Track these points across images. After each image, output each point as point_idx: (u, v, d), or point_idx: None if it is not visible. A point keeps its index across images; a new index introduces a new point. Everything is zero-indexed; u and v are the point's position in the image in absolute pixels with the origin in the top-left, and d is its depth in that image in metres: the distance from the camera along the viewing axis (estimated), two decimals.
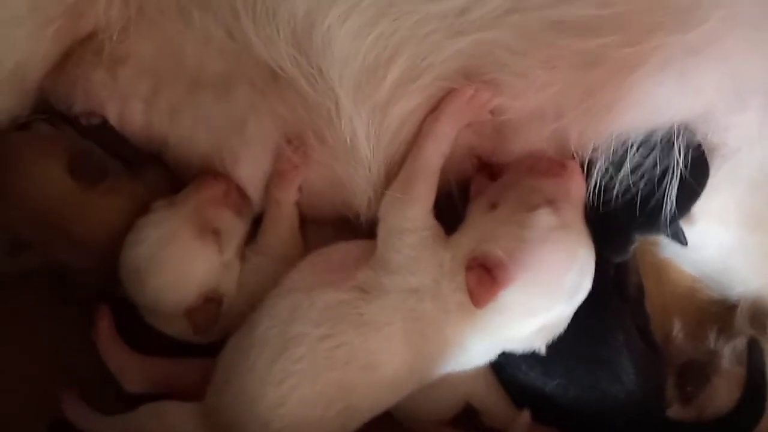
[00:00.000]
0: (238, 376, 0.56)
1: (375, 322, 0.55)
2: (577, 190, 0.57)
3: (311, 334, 0.54)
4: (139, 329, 0.63)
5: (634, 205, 0.57)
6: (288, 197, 0.63)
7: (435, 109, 0.57)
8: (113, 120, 0.63)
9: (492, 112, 0.57)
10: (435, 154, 0.57)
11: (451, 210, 0.60)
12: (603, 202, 0.57)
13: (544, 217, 0.54)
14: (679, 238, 0.61)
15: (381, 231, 0.58)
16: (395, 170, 0.60)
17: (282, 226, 0.63)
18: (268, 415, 0.54)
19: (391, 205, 0.58)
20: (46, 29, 0.57)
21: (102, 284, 0.63)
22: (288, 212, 0.63)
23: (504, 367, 0.62)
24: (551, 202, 0.55)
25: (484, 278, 0.53)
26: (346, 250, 0.61)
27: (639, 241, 0.61)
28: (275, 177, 0.62)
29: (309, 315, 0.55)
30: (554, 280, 0.54)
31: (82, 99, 0.62)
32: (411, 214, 0.57)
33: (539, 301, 0.55)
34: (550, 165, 0.57)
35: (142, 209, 0.61)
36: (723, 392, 0.60)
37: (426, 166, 0.57)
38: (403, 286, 0.55)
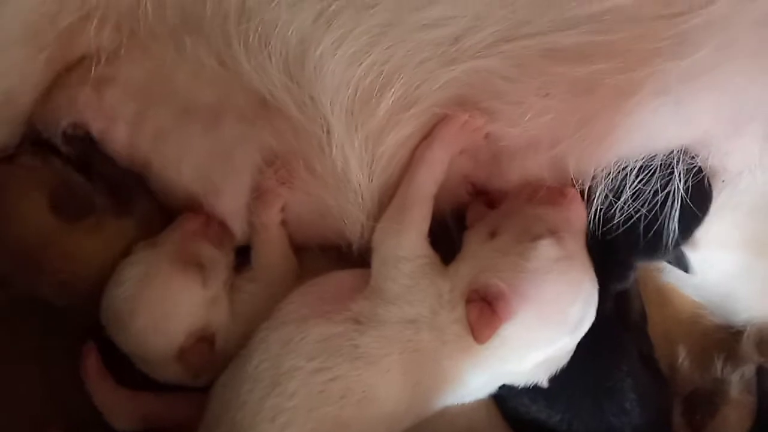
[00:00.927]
0: (229, 413, 0.54)
1: (370, 355, 0.53)
2: (578, 218, 0.56)
3: (304, 368, 0.53)
4: (128, 363, 0.61)
5: (636, 231, 0.56)
6: (271, 218, 0.61)
7: (429, 135, 0.57)
8: (97, 134, 0.61)
9: (486, 137, 0.57)
10: (428, 180, 0.56)
11: (445, 239, 0.59)
12: (604, 229, 0.56)
13: (546, 248, 0.52)
14: (683, 264, 0.60)
15: (375, 260, 0.57)
16: (388, 198, 0.59)
17: (272, 249, 0.62)
18: None
19: (385, 234, 0.57)
20: (38, 55, 0.56)
21: (89, 319, 0.61)
22: (275, 234, 0.62)
23: (506, 399, 0.61)
24: (553, 232, 0.53)
25: (485, 311, 0.51)
26: (338, 279, 0.60)
27: (640, 267, 0.60)
28: (257, 199, 0.61)
29: (302, 348, 0.54)
30: (558, 313, 0.53)
31: (66, 117, 0.60)
32: (406, 242, 0.56)
33: (542, 335, 0.53)
34: (549, 193, 0.56)
35: (130, 247, 0.60)
36: (733, 421, 0.59)
37: (420, 193, 0.56)
38: (399, 316, 0.54)
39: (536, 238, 0.53)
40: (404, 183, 0.57)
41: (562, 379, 0.55)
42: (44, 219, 0.57)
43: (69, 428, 0.60)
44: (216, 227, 0.61)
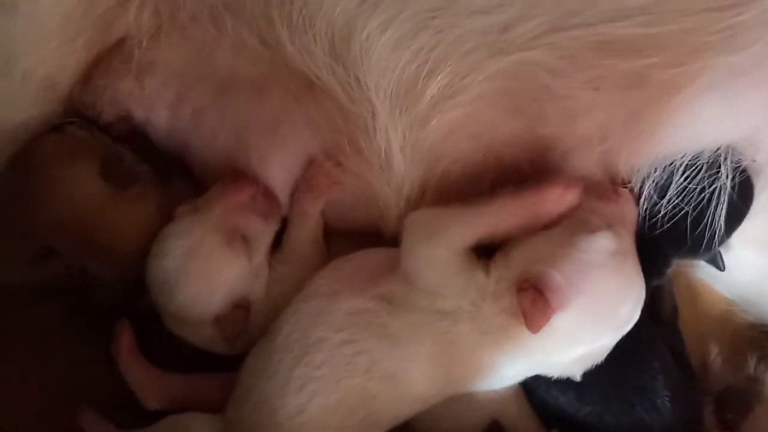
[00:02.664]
0: (259, 384, 0.54)
1: (399, 338, 0.53)
2: (630, 215, 0.55)
3: (331, 339, 0.53)
4: (157, 344, 0.61)
5: (682, 228, 0.55)
6: (315, 208, 0.61)
7: (475, 124, 0.55)
8: (140, 124, 0.62)
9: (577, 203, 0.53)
10: (501, 214, 0.53)
11: None
12: (649, 226, 0.56)
13: (604, 241, 0.52)
14: (717, 262, 0.59)
15: (405, 243, 0.55)
16: (428, 186, 0.59)
17: (307, 236, 0.62)
18: (288, 423, 0.52)
19: (420, 223, 0.55)
20: (75, 40, 0.57)
21: (122, 296, 0.61)
22: (313, 223, 0.62)
23: (534, 388, 0.60)
24: (610, 226, 0.53)
25: (538, 300, 0.50)
26: (371, 257, 0.59)
27: (675, 264, 0.60)
28: (305, 187, 0.60)
29: (330, 320, 0.54)
30: (609, 309, 0.52)
31: (108, 107, 0.61)
32: (439, 253, 0.53)
33: (589, 329, 0.53)
34: (603, 189, 0.55)
35: (167, 218, 0.59)
36: (767, 421, 0.58)
37: (493, 218, 0.53)
38: (432, 307, 0.53)
39: (594, 230, 0.52)
40: (483, 204, 0.54)
41: (593, 372, 0.55)
42: (95, 185, 0.57)
43: (98, 410, 0.60)
44: (262, 199, 0.60)
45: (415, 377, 0.53)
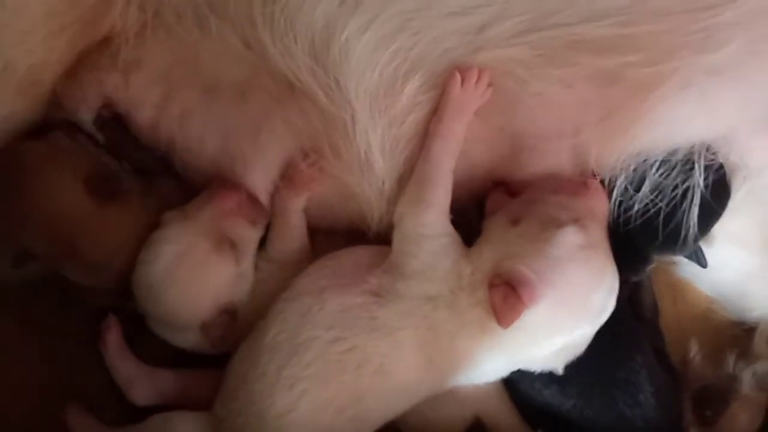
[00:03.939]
0: (247, 383, 0.55)
1: (387, 327, 0.54)
2: (600, 208, 0.56)
3: (322, 338, 0.53)
4: (145, 340, 0.62)
5: (655, 225, 0.56)
6: (296, 206, 0.62)
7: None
8: (124, 115, 0.62)
9: (490, 85, 0.55)
10: (444, 154, 0.55)
11: (464, 225, 0.59)
12: (623, 221, 0.56)
13: (572, 236, 0.52)
14: (699, 259, 0.60)
15: (396, 237, 0.57)
16: (404, 182, 0.58)
17: (290, 234, 0.63)
18: (278, 422, 0.53)
19: (405, 211, 0.56)
20: (60, 34, 0.56)
21: (106, 299, 0.62)
22: (296, 220, 0.63)
23: (516, 383, 0.61)
24: (577, 220, 0.53)
25: (510, 296, 0.51)
26: (357, 254, 0.60)
27: (656, 261, 0.61)
28: (285, 185, 0.61)
29: (319, 318, 0.54)
30: (581, 300, 0.53)
31: (94, 102, 0.61)
32: (427, 220, 0.55)
33: (564, 322, 0.54)
34: (572, 183, 0.56)
35: (154, 226, 0.60)
36: (744, 418, 0.59)
37: (437, 168, 0.56)
38: (418, 292, 0.54)
39: (561, 225, 0.53)
40: (420, 159, 0.56)
41: (576, 366, 0.56)
42: (79, 198, 0.57)
43: (87, 405, 0.60)
44: (249, 205, 0.61)
45: (401, 366, 0.54)
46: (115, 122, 0.62)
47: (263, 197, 0.62)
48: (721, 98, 0.53)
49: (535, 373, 0.57)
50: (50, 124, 0.60)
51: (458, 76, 0.54)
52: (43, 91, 0.59)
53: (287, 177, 0.61)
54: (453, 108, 0.55)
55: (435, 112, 0.56)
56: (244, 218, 0.60)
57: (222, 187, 0.61)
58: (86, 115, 0.61)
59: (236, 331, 0.60)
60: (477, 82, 0.54)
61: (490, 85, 0.55)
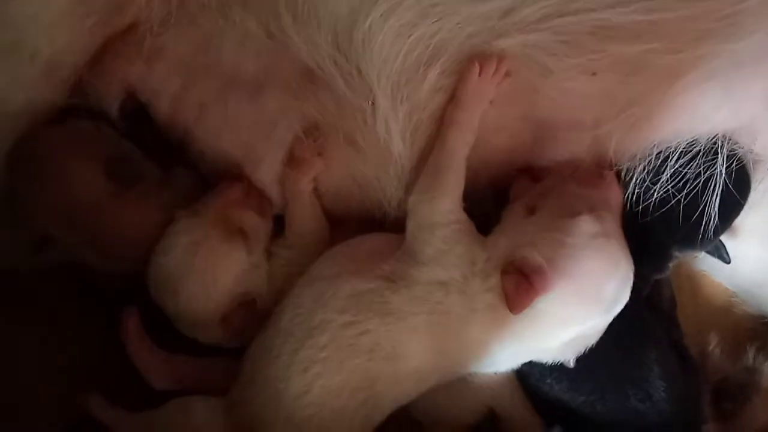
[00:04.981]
0: (263, 367, 0.55)
1: (400, 312, 0.54)
2: (615, 200, 0.56)
3: (335, 321, 0.54)
4: (165, 326, 0.62)
5: (675, 216, 0.55)
6: (303, 187, 0.62)
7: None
8: (146, 104, 0.62)
9: (507, 74, 0.55)
10: (459, 142, 0.56)
11: (480, 213, 0.59)
12: (641, 212, 0.56)
13: (585, 224, 0.53)
14: (722, 254, 0.59)
15: (410, 224, 0.57)
16: (422, 169, 0.58)
17: (305, 216, 0.63)
18: (293, 405, 0.53)
19: (420, 199, 0.57)
20: (85, 22, 0.57)
21: (127, 285, 0.62)
22: (308, 201, 0.63)
23: (528, 377, 0.61)
24: (592, 210, 0.53)
25: (522, 283, 0.51)
26: (371, 241, 0.60)
27: (679, 258, 0.60)
28: (290, 167, 0.61)
29: (333, 302, 0.55)
30: (594, 290, 0.53)
31: (116, 88, 0.62)
32: (440, 208, 0.56)
33: (576, 311, 0.53)
34: (588, 174, 0.56)
35: (170, 216, 0.60)
36: (764, 412, 0.58)
37: (452, 157, 0.56)
38: (431, 278, 0.54)
39: (576, 214, 0.53)
40: (436, 148, 0.57)
41: (588, 361, 0.55)
42: (99, 184, 0.58)
43: (106, 391, 0.61)
44: (257, 195, 0.62)
45: (413, 349, 0.54)
46: (138, 113, 0.63)
47: (275, 191, 0.63)
48: (746, 88, 0.52)
49: (547, 368, 0.57)
50: (73, 110, 0.61)
51: (477, 65, 0.54)
52: (68, 77, 0.60)
53: (293, 158, 0.61)
54: (470, 97, 0.55)
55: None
56: (251, 208, 0.61)
57: (227, 179, 0.62)
58: (110, 103, 0.62)
59: (258, 324, 0.60)
60: (495, 72, 0.54)
61: (507, 75, 0.55)
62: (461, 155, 0.56)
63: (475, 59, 0.54)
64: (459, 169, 0.56)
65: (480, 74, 0.54)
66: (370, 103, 0.57)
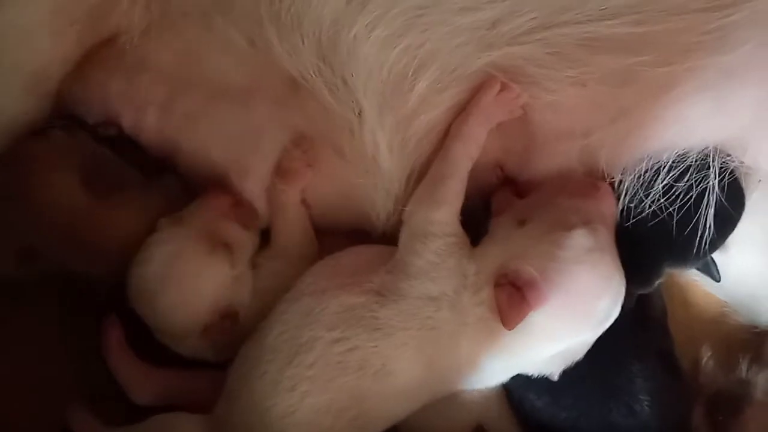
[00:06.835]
0: (249, 384, 0.54)
1: (389, 327, 0.53)
2: (610, 211, 0.55)
3: (324, 338, 0.53)
4: (149, 339, 0.61)
5: (668, 232, 0.55)
6: (291, 197, 0.61)
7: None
8: (128, 127, 0.62)
9: (523, 107, 0.55)
10: (463, 156, 0.55)
11: (470, 223, 0.58)
12: (632, 225, 0.55)
13: (581, 238, 0.52)
14: (712, 272, 0.59)
15: (404, 234, 0.56)
16: (416, 182, 0.58)
17: (291, 228, 0.62)
18: (280, 424, 0.52)
19: (416, 209, 0.56)
20: (66, 32, 0.56)
21: (112, 293, 0.61)
22: (294, 213, 0.62)
23: (511, 391, 0.60)
24: (587, 223, 0.53)
25: (515, 297, 0.51)
26: (359, 254, 0.60)
27: (668, 274, 0.59)
28: (278, 177, 0.61)
29: (321, 319, 0.54)
30: (587, 305, 0.52)
31: (98, 107, 0.61)
32: (437, 218, 0.55)
33: (568, 326, 0.53)
34: (582, 185, 0.56)
35: (155, 222, 0.59)
36: (757, 424, 0.58)
37: (454, 169, 0.55)
38: (421, 292, 0.54)
39: (571, 227, 0.52)
40: (439, 158, 0.56)
41: (570, 376, 0.55)
42: (75, 194, 0.57)
43: (89, 403, 0.60)
44: (244, 208, 0.61)
45: (403, 366, 0.53)
46: (118, 137, 0.62)
47: (263, 203, 0.62)
48: (736, 99, 0.52)
49: (529, 383, 0.56)
50: (52, 119, 0.60)
51: (498, 84, 0.54)
52: (50, 89, 0.59)
53: (281, 169, 0.60)
54: (482, 113, 0.55)
55: (443, 118, 0.56)
56: (236, 221, 0.60)
57: (213, 190, 0.61)
58: (90, 117, 0.61)
59: (240, 337, 0.59)
60: (514, 97, 0.54)
61: (523, 106, 0.55)
62: (464, 168, 0.56)
63: (498, 77, 0.54)
64: (460, 181, 0.56)
65: (500, 94, 0.54)
66: (356, 114, 0.56)
